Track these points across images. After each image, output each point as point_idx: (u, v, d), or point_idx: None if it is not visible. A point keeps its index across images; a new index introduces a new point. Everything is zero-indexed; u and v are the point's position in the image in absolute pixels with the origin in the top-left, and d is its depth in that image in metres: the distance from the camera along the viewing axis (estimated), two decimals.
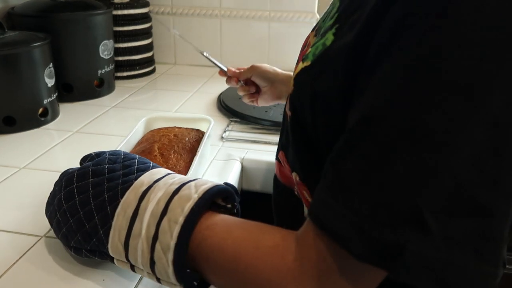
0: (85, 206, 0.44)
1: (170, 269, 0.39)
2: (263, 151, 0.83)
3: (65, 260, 0.52)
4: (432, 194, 0.30)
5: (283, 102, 0.80)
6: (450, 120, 0.29)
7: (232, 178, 0.75)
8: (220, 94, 1.10)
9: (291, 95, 0.45)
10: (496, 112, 0.29)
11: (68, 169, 0.51)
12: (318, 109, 0.41)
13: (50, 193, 0.51)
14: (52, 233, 0.56)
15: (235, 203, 0.45)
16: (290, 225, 0.40)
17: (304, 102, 0.42)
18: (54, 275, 0.49)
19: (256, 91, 0.84)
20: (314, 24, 1.37)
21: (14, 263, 0.51)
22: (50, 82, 0.92)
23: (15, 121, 0.87)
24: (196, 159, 0.65)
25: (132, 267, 0.44)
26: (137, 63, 1.25)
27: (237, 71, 0.84)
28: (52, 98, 0.93)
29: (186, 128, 0.76)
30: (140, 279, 0.49)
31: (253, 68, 0.82)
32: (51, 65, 0.92)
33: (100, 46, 1.06)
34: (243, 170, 0.80)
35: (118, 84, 1.19)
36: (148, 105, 1.07)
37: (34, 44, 0.87)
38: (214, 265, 0.39)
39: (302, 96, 0.43)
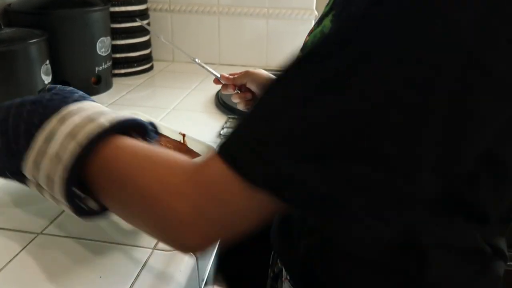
0: (18, 120, 0.45)
1: (58, 184, 0.41)
2: None
3: (62, 257, 0.52)
4: (329, 133, 0.32)
5: None
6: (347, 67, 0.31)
7: None
8: (218, 91, 1.09)
9: None
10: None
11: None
12: None
13: None
14: (49, 230, 0.56)
15: (149, 139, 0.46)
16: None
17: None
18: (51, 272, 0.49)
19: (252, 98, 0.81)
20: (313, 21, 1.37)
21: (10, 260, 0.51)
22: (47, 79, 0.92)
23: None
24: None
25: (41, 190, 0.45)
26: (135, 60, 1.24)
27: (231, 77, 0.81)
28: None
29: None
30: (137, 276, 0.49)
31: (247, 74, 0.79)
32: (48, 62, 0.92)
33: (98, 43, 1.06)
34: None
35: (116, 81, 1.19)
36: (146, 102, 1.06)
37: (31, 41, 0.87)
38: (103, 178, 0.41)
39: None
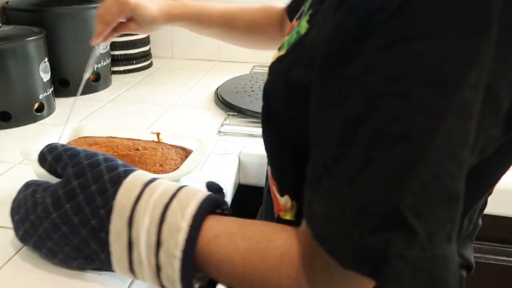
0: (76, 234, 0.43)
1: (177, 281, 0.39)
2: (261, 144, 0.83)
3: None
4: (412, 192, 0.30)
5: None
6: (425, 117, 0.29)
7: (230, 172, 0.75)
8: (217, 88, 1.09)
9: (266, 85, 0.44)
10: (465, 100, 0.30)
11: (29, 185, 0.49)
12: (292, 100, 0.39)
13: (18, 220, 0.48)
14: None
15: (225, 208, 0.43)
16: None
17: (278, 92, 0.41)
18: (51, 270, 0.49)
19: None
20: None
21: (10, 259, 0.51)
22: (46, 76, 0.92)
23: (11, 116, 0.87)
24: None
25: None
26: (134, 57, 1.24)
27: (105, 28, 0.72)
28: (48, 93, 0.93)
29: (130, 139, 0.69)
30: None
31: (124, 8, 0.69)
32: (46, 59, 0.92)
33: None
34: (240, 164, 0.80)
35: (115, 78, 1.19)
36: (145, 99, 1.06)
37: (29, 39, 0.87)
38: (226, 276, 0.39)
39: (276, 86, 0.41)
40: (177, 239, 0.38)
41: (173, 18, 0.73)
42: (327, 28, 0.34)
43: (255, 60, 1.34)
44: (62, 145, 0.48)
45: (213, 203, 0.40)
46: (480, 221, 0.48)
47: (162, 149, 0.65)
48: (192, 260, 0.38)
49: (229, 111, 0.97)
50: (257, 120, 0.92)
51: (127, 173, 0.43)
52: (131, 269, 0.41)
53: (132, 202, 0.41)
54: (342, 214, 0.31)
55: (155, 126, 0.91)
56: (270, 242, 0.38)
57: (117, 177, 0.43)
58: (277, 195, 0.44)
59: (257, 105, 0.95)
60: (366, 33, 0.30)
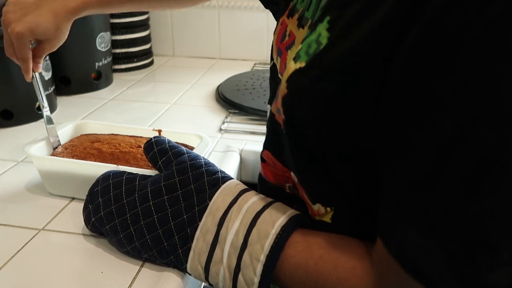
0: (164, 224, 0.46)
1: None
2: (262, 142, 0.83)
3: (63, 252, 0.52)
4: None
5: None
6: None
7: (231, 169, 0.75)
8: (219, 85, 1.09)
9: (284, 98, 0.41)
10: None
11: (119, 173, 0.50)
12: (321, 115, 0.38)
13: (101, 202, 0.49)
14: (50, 226, 0.57)
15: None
16: None
17: (303, 107, 0.39)
18: (53, 268, 0.49)
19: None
20: None
21: (12, 257, 0.51)
22: (47, 75, 0.92)
23: (13, 114, 0.87)
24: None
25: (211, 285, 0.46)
26: (135, 56, 1.24)
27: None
28: (49, 91, 0.93)
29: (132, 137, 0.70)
30: (139, 271, 0.49)
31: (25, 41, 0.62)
32: (47, 57, 0.92)
33: (97, 39, 1.06)
34: (241, 161, 0.80)
35: (116, 76, 1.19)
36: (147, 97, 1.06)
37: None
38: (298, 283, 0.41)
39: (300, 101, 0.39)
40: (264, 244, 0.41)
41: (75, 13, 0.65)
42: (382, 38, 0.32)
43: (257, 57, 1.34)
44: (169, 141, 0.52)
45: (300, 221, 0.43)
46: None
47: None
48: (274, 267, 0.41)
49: (231, 109, 0.97)
50: (258, 118, 0.92)
51: (224, 179, 0.47)
52: (205, 267, 0.43)
53: (227, 205, 0.44)
54: (444, 248, 0.30)
55: (156, 124, 0.91)
56: (343, 253, 0.39)
57: (216, 181, 0.47)
58: (309, 202, 0.44)
59: (258, 103, 0.95)
60: (456, 48, 0.28)
